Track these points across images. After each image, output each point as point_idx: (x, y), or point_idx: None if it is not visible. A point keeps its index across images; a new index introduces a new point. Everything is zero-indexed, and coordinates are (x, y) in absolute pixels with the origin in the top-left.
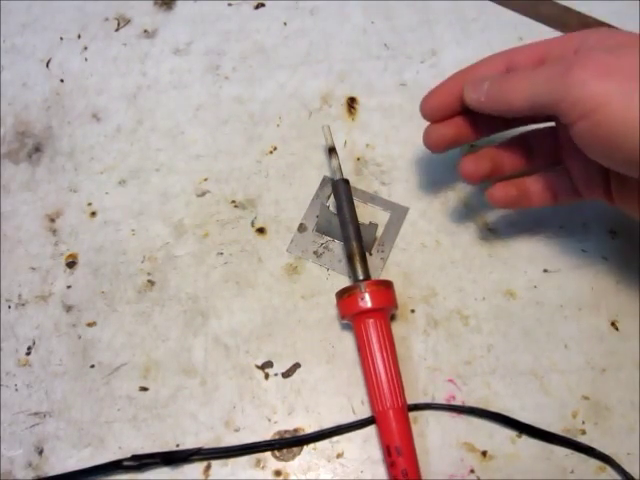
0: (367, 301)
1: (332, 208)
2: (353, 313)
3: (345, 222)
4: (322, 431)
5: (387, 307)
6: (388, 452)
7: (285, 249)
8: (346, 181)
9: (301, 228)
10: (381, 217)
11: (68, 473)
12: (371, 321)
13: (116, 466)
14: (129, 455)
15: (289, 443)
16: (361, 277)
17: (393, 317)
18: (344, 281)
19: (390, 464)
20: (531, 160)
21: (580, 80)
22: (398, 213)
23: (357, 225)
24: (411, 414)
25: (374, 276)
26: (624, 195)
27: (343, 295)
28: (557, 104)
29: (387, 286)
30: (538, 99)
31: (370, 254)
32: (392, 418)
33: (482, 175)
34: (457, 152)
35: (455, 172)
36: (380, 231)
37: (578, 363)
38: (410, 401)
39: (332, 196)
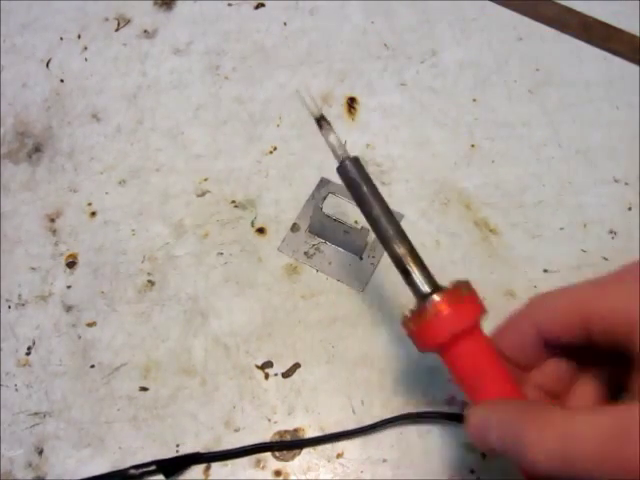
0: (458, 320)
1: (326, 210)
2: (442, 342)
3: (375, 217)
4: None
5: (481, 316)
6: None
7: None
8: (356, 160)
9: (294, 228)
10: None
11: None
12: (469, 344)
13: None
14: (129, 456)
15: (293, 445)
16: (429, 289)
17: (392, 318)
18: (344, 281)
19: None
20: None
21: None
22: None
23: (392, 217)
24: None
25: (364, 282)
26: None
27: (418, 320)
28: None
29: (469, 289)
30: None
31: (361, 259)
32: None
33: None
34: (459, 151)
35: (455, 172)
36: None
37: None
38: (410, 401)
39: (329, 196)
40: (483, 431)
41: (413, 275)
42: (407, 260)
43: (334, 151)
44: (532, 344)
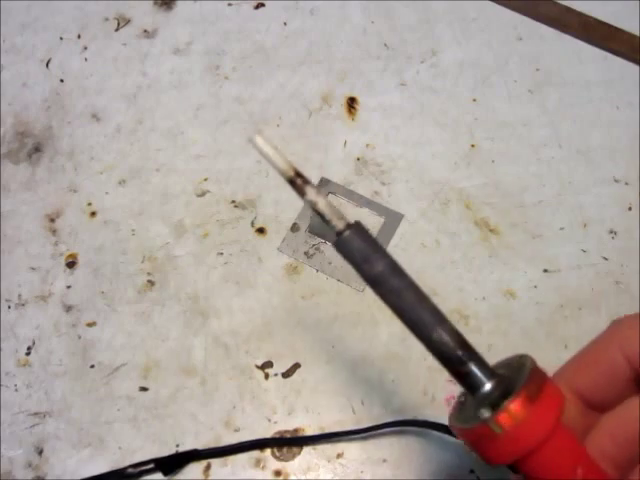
0: (542, 425)
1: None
2: (525, 453)
3: (407, 305)
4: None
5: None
6: None
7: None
8: (358, 227)
9: (294, 228)
10: (375, 221)
11: None
12: (555, 447)
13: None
14: (128, 456)
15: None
16: (495, 390)
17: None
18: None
19: None
20: None
21: None
22: (392, 219)
23: (427, 299)
24: (411, 415)
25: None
26: None
27: (487, 432)
28: None
29: (541, 377)
30: None
31: None
32: None
33: None
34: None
35: (455, 172)
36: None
37: None
38: (410, 401)
39: (329, 196)
40: None
41: (474, 375)
42: (459, 353)
43: (325, 219)
44: (622, 378)
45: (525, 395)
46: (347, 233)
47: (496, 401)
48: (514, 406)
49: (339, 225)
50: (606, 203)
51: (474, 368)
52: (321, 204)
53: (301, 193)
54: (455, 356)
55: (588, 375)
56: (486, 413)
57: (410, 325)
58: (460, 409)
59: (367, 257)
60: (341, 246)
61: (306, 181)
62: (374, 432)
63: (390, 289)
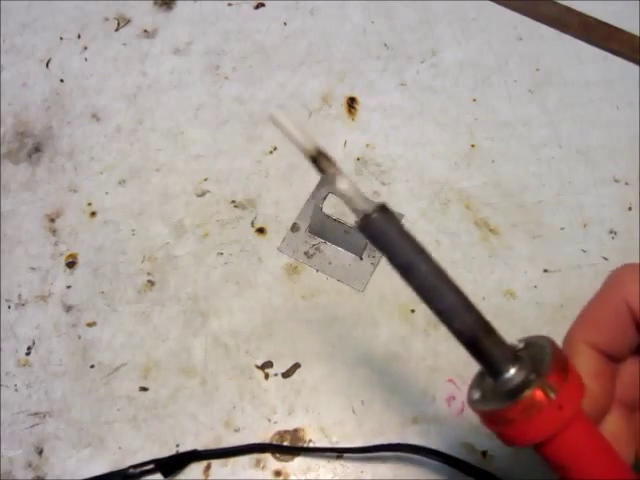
0: (568, 408)
1: (326, 210)
2: (548, 435)
3: (430, 285)
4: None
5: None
6: None
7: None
8: (384, 210)
9: (294, 228)
10: None
11: None
12: (576, 431)
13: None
14: (128, 456)
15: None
16: (519, 373)
17: (392, 318)
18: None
19: None
20: None
21: None
22: None
23: (453, 284)
24: (411, 415)
25: (363, 282)
26: None
27: (509, 414)
28: None
29: (563, 359)
30: None
31: (361, 259)
32: None
33: None
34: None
35: (455, 172)
36: None
37: None
38: (410, 401)
39: (329, 196)
40: None
41: (493, 354)
42: (483, 337)
43: (350, 203)
44: (630, 328)
45: (558, 367)
46: (374, 215)
47: (530, 377)
48: (556, 375)
49: (364, 207)
50: (606, 203)
51: (499, 353)
52: (345, 185)
53: (323, 173)
54: (479, 340)
55: (598, 329)
56: (534, 382)
57: (435, 309)
58: (482, 396)
59: (393, 240)
60: (366, 228)
61: (329, 160)
62: (370, 454)
63: (416, 273)
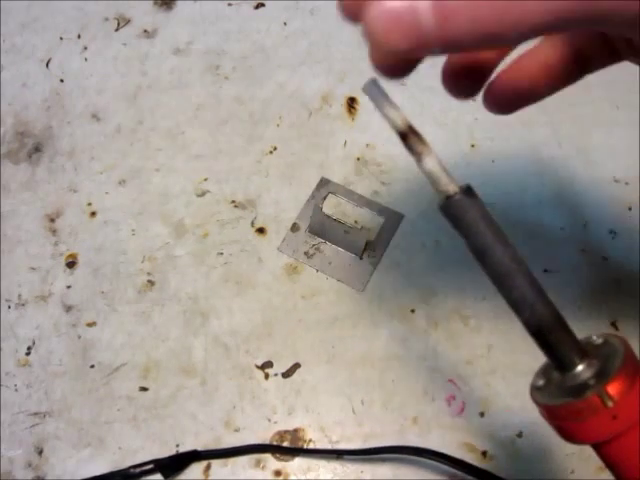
0: (623, 419)
1: (326, 210)
2: (594, 442)
3: (506, 271)
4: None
5: None
6: None
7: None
8: (469, 191)
9: (294, 228)
10: (375, 221)
11: None
12: (628, 441)
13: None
14: (128, 456)
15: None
16: (591, 379)
17: (392, 318)
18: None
19: None
20: None
21: None
22: (392, 219)
23: (529, 272)
24: (411, 415)
25: (365, 280)
26: None
27: (574, 410)
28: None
29: (634, 358)
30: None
31: (361, 259)
32: None
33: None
34: (457, 155)
35: (455, 172)
36: (373, 235)
37: None
38: (410, 401)
39: (329, 196)
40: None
41: (563, 350)
42: (556, 331)
43: (435, 183)
44: None
45: (627, 373)
46: (456, 197)
47: (593, 379)
48: (619, 383)
49: (449, 188)
50: (606, 203)
51: (568, 347)
52: (431, 165)
53: (411, 150)
54: (548, 332)
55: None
56: (594, 387)
57: (507, 297)
58: (545, 388)
59: (471, 223)
60: (447, 209)
61: (420, 138)
62: (371, 456)
63: (491, 259)
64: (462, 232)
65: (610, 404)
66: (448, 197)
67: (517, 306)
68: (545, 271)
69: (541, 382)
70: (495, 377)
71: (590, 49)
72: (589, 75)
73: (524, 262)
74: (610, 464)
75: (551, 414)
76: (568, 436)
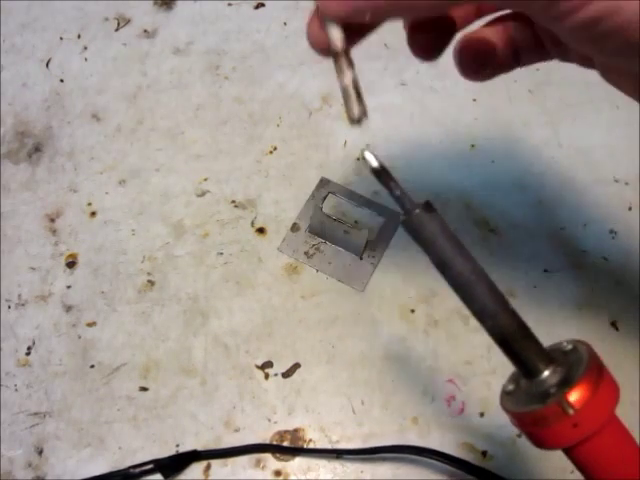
0: (584, 426)
1: (326, 210)
2: (557, 448)
3: (466, 283)
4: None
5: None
6: None
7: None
8: (427, 208)
9: (294, 228)
10: (375, 221)
11: None
12: (607, 437)
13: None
14: (129, 456)
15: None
16: (553, 386)
17: (392, 318)
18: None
19: None
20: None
21: None
22: (392, 219)
23: (490, 284)
24: (411, 415)
25: (364, 280)
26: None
27: (542, 417)
28: None
29: (599, 366)
30: None
31: (361, 259)
32: None
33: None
34: (464, 149)
35: (455, 172)
36: (373, 235)
37: None
38: (410, 401)
39: (329, 196)
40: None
41: (530, 358)
42: (519, 339)
43: (396, 197)
44: None
45: (589, 380)
46: (416, 212)
47: (556, 387)
48: (580, 392)
49: (408, 206)
50: (606, 203)
51: (533, 354)
52: (391, 184)
53: (386, 187)
54: (512, 341)
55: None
56: (555, 395)
57: (470, 308)
58: (513, 394)
59: (430, 238)
60: (407, 224)
61: (389, 177)
62: (371, 456)
63: (451, 272)
64: (422, 246)
65: (571, 412)
66: (407, 213)
67: (479, 316)
68: (545, 271)
69: (511, 387)
70: (495, 377)
71: (521, 41)
72: (589, 75)
73: (485, 274)
74: (579, 468)
75: (518, 420)
76: (536, 442)
